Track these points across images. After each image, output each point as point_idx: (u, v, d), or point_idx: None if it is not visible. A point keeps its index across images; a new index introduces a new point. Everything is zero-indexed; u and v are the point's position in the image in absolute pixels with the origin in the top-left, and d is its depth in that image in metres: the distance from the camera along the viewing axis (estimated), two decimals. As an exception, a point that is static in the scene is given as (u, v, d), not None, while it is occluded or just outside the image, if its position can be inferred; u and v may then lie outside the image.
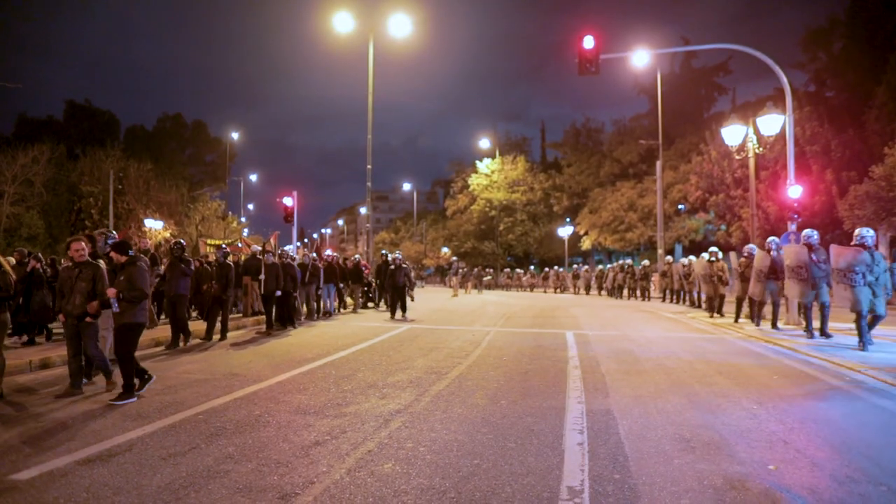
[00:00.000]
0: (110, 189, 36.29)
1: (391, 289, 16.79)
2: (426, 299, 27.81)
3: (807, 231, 11.40)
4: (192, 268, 11.35)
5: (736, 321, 14.20)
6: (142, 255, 7.75)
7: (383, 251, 23.75)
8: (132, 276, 6.58)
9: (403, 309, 16.57)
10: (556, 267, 43.60)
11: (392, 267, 16.92)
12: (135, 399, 6.41)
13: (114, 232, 8.49)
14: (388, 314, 17.07)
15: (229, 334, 12.18)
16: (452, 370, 8.21)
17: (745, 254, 14.53)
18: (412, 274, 19.03)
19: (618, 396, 6.58)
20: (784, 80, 14.51)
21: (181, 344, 10.69)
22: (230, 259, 12.58)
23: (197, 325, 12.43)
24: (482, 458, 4.49)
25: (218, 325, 11.81)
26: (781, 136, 15.19)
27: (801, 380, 7.62)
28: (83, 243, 6.98)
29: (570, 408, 6.06)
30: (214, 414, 5.82)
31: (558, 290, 38.79)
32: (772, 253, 12.73)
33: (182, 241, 11.84)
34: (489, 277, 48.35)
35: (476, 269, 46.31)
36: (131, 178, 40.33)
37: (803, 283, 11.10)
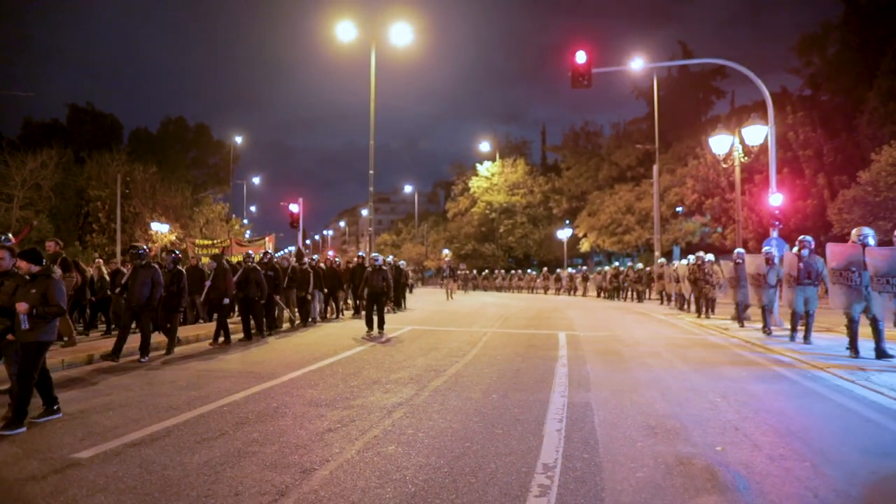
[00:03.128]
0: (117, 193, 37.04)
1: (368, 296, 13.80)
2: (426, 301, 28.58)
3: (864, 229, 9.61)
4: (160, 274, 10.07)
5: (764, 332, 12.62)
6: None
7: (360, 252, 21.22)
8: (48, 289, 5.87)
9: (381, 323, 13.65)
10: (569, 269, 44.36)
11: (368, 269, 14.09)
12: (24, 429, 5.55)
13: (9, 235, 7.60)
14: (360, 325, 14.46)
15: (177, 348, 10.84)
16: (450, 368, 8.94)
17: (735, 259, 14.95)
18: (391, 277, 15.60)
19: (598, 391, 7.31)
20: (766, 92, 15.24)
21: (115, 360, 9.34)
22: (182, 266, 11.48)
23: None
24: (472, 442, 5.21)
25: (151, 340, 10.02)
26: (774, 140, 15.87)
27: (766, 374, 8.35)
28: (5, 252, 6.27)
29: (553, 401, 6.78)
30: (236, 406, 6.56)
31: (570, 292, 39.31)
32: (803, 253, 11.15)
33: (138, 244, 10.98)
34: (498, 279, 49.44)
35: (464, 272, 49.45)
36: (137, 182, 41.13)
37: (850, 291, 9.27)
